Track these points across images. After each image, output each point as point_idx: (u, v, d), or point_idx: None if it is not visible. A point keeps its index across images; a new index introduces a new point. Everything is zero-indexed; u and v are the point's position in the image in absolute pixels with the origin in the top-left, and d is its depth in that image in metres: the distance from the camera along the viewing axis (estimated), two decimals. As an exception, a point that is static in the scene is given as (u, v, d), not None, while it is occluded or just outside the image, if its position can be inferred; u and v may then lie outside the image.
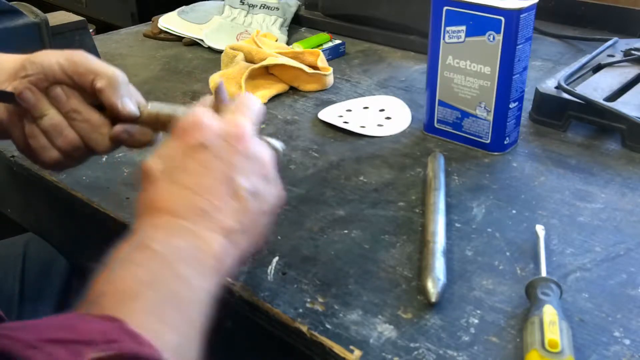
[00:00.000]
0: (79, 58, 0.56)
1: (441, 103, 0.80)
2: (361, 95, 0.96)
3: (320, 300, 0.55)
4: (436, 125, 0.82)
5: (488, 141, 0.78)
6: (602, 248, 0.61)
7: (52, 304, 0.83)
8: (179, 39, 1.19)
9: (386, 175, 0.74)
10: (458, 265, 0.59)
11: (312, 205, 0.69)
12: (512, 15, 0.70)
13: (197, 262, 0.45)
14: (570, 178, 0.73)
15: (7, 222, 0.92)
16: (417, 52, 1.11)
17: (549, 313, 0.49)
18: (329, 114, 0.89)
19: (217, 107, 0.54)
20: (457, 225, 0.65)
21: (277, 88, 0.96)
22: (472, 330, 0.52)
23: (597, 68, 0.93)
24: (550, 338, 0.46)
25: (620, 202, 0.68)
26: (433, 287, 0.54)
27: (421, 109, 0.85)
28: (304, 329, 0.52)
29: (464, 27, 0.74)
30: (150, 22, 1.25)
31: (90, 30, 1.01)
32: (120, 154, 0.78)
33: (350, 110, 0.90)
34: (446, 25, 0.75)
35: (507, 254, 0.61)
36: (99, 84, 0.56)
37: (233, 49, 1.00)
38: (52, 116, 0.56)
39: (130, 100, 0.57)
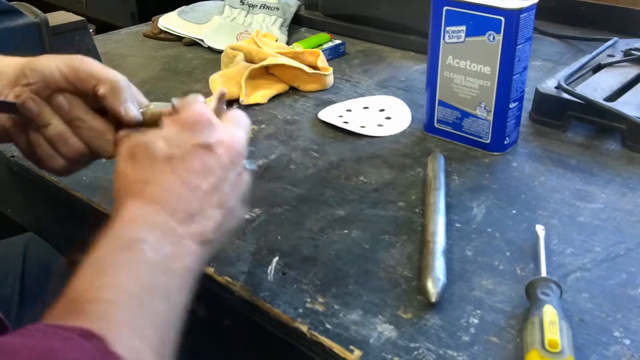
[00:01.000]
0: (80, 64, 0.55)
1: (441, 103, 0.80)
2: (361, 95, 0.96)
3: (320, 300, 0.55)
4: (436, 125, 0.82)
5: (488, 141, 0.78)
6: (602, 248, 0.61)
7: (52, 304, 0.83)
8: (179, 39, 1.19)
9: (386, 175, 0.74)
10: (458, 265, 0.59)
11: (312, 205, 0.69)
12: (512, 15, 0.70)
13: (178, 275, 0.44)
14: (570, 178, 0.73)
15: (7, 222, 0.92)
16: (417, 52, 1.11)
17: (549, 313, 0.49)
18: (329, 114, 0.89)
19: (216, 112, 0.54)
20: (457, 225, 0.65)
21: (277, 88, 0.96)
22: (472, 330, 0.52)
23: (597, 68, 0.93)
24: (550, 338, 0.46)
25: (620, 202, 0.68)
26: (433, 287, 0.54)
27: (421, 109, 0.85)
28: (304, 329, 0.52)
29: (464, 27, 0.74)
30: (150, 22, 1.25)
31: (90, 30, 1.01)
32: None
33: (350, 110, 0.90)
34: (446, 25, 0.75)
35: (507, 254, 0.61)
36: (101, 90, 0.55)
37: (233, 49, 1.00)
38: (56, 125, 0.56)
39: (132, 105, 0.56)
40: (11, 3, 0.89)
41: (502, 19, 0.71)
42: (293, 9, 1.24)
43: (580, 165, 0.75)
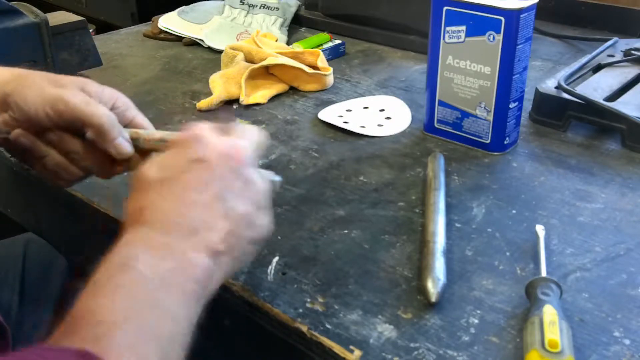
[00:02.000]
0: (63, 106, 0.54)
1: (441, 103, 0.80)
2: (361, 95, 0.96)
3: (320, 300, 0.55)
4: (436, 125, 0.82)
5: (488, 141, 0.78)
6: (602, 248, 0.61)
7: (52, 304, 0.83)
8: (179, 39, 1.19)
9: (386, 175, 0.74)
10: (458, 265, 0.59)
11: (312, 205, 0.69)
12: (512, 15, 0.70)
13: (182, 289, 0.43)
14: (570, 178, 0.73)
15: (7, 222, 0.92)
16: (417, 52, 1.11)
17: (549, 313, 0.49)
18: (329, 114, 0.89)
19: (221, 128, 0.54)
20: (457, 225, 0.65)
21: (277, 88, 0.96)
22: (472, 330, 0.52)
23: (597, 68, 0.93)
24: (550, 338, 0.46)
25: (620, 202, 0.68)
26: (433, 287, 0.54)
27: (421, 109, 0.85)
28: (304, 329, 0.52)
29: (464, 27, 0.74)
30: (150, 22, 1.25)
31: (90, 30, 1.01)
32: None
33: (350, 110, 0.90)
34: (446, 25, 0.75)
35: (507, 254, 0.61)
36: (88, 134, 0.55)
37: (233, 49, 1.00)
38: (52, 157, 0.56)
39: (122, 140, 0.56)
40: (11, 3, 0.89)
41: (502, 19, 0.71)
42: (293, 9, 1.24)
43: (580, 165, 0.75)
